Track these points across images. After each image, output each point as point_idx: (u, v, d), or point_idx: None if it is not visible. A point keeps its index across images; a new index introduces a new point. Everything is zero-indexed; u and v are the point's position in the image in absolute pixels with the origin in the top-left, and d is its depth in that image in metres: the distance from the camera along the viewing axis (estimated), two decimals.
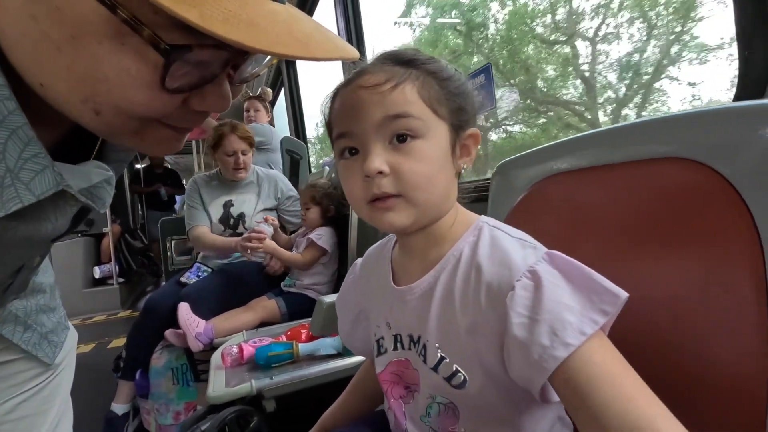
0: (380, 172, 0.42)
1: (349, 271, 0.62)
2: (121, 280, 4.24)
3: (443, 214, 0.47)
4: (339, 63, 1.98)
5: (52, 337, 0.58)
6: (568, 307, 0.37)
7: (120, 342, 2.98)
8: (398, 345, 0.51)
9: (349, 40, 1.99)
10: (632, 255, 0.51)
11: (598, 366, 0.35)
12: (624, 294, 0.38)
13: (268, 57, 0.35)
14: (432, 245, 0.48)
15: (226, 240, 1.75)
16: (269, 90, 2.88)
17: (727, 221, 0.42)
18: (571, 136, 0.63)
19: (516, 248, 0.43)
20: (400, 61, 0.44)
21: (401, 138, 0.43)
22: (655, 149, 0.50)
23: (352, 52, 0.33)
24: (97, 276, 4.18)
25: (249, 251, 1.61)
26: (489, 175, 0.82)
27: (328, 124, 0.48)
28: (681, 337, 0.46)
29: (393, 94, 0.42)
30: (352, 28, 1.98)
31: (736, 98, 0.55)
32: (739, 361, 0.40)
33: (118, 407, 1.58)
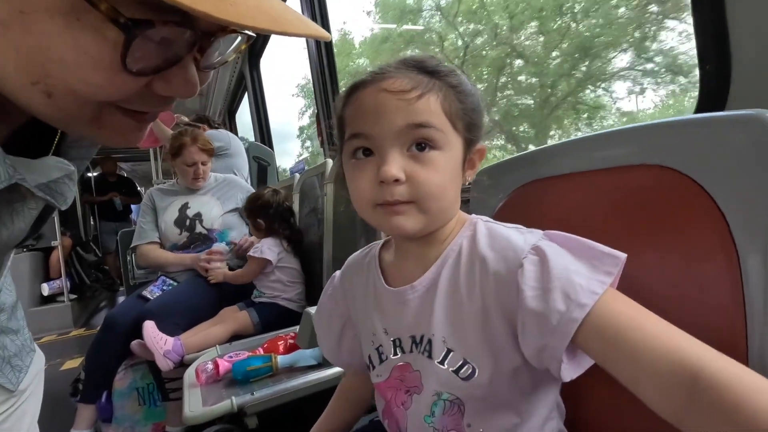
0: (396, 180, 0.42)
1: (327, 285, 0.62)
2: (73, 296, 3.97)
3: (447, 222, 0.48)
4: (310, 70, 1.96)
5: (15, 362, 0.53)
6: (575, 271, 0.39)
7: (74, 363, 2.79)
8: (398, 350, 0.50)
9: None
10: None
11: (617, 316, 0.37)
12: (623, 255, 0.40)
13: (237, 41, 0.33)
14: (431, 246, 0.49)
15: (179, 256, 1.74)
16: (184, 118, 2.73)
17: (703, 225, 0.45)
18: (551, 144, 0.66)
19: (515, 234, 0.45)
20: (424, 69, 0.45)
21: (420, 146, 0.43)
22: (630, 157, 0.53)
23: (324, 32, 0.33)
24: (45, 293, 3.89)
25: (207, 271, 1.66)
26: None
27: (341, 119, 0.48)
28: None
29: (418, 103, 0.43)
30: (318, 17, 1.96)
31: (698, 109, 0.59)
32: None
33: None
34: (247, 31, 0.31)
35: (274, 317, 1.54)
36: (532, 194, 0.68)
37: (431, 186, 0.43)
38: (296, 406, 0.96)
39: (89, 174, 5.05)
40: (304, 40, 2.03)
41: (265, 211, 1.65)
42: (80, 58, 0.26)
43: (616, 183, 0.55)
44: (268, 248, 1.59)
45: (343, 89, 0.49)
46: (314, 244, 1.69)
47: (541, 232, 0.45)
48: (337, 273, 0.62)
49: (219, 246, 1.75)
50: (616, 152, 0.55)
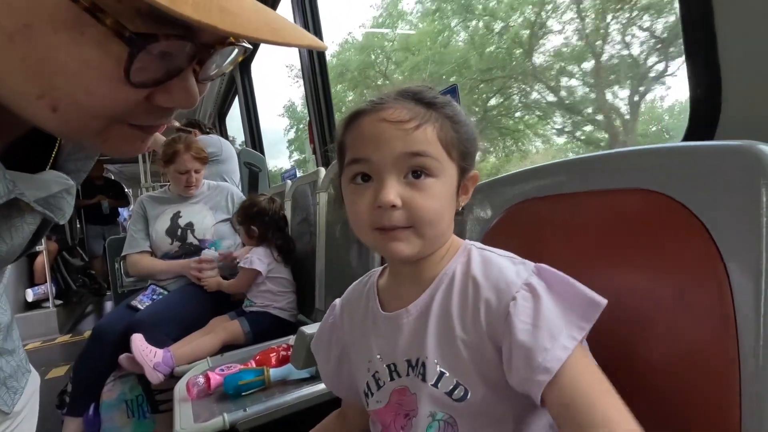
0: (393, 206, 0.43)
1: (328, 313, 0.62)
2: (58, 302, 3.90)
3: (441, 246, 0.50)
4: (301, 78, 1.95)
5: (11, 383, 0.52)
6: (560, 315, 0.42)
7: (60, 372, 2.73)
8: (394, 374, 0.51)
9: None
10: (605, 279, 0.54)
11: (583, 379, 0.40)
12: (604, 301, 0.43)
13: (234, 53, 0.34)
14: (425, 270, 0.50)
15: (171, 264, 1.73)
16: (175, 122, 2.72)
17: (694, 250, 0.45)
18: (545, 163, 0.66)
19: (508, 265, 0.47)
20: (421, 100, 0.47)
21: (416, 174, 0.45)
22: (623, 180, 0.53)
23: (321, 43, 0.34)
24: (30, 299, 3.82)
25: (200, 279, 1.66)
26: None
27: (341, 145, 0.50)
28: (652, 357, 0.49)
29: (416, 133, 0.44)
30: (311, 29, 1.96)
31: (687, 134, 0.60)
32: (710, 381, 0.43)
33: None
34: (247, 43, 0.32)
35: (265, 326, 1.53)
36: (526, 213, 0.68)
37: (427, 212, 0.45)
38: (290, 420, 0.95)
39: None
40: (285, 58, 2.04)
41: (260, 219, 1.63)
42: (84, 72, 0.27)
43: (609, 205, 0.55)
44: (258, 259, 1.58)
45: (343, 116, 0.50)
46: (306, 253, 1.68)
47: (532, 265, 0.46)
48: (338, 301, 0.62)
49: (208, 253, 1.73)
50: (609, 175, 0.55)
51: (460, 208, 0.51)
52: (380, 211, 0.44)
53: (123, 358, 1.34)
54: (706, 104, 0.56)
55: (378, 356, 0.52)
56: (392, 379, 0.51)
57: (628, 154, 0.55)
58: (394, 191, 0.44)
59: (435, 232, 0.46)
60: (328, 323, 0.61)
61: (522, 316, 0.42)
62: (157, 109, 0.32)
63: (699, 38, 0.56)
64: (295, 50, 2.00)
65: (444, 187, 0.46)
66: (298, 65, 2.05)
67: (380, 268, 0.59)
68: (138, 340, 1.29)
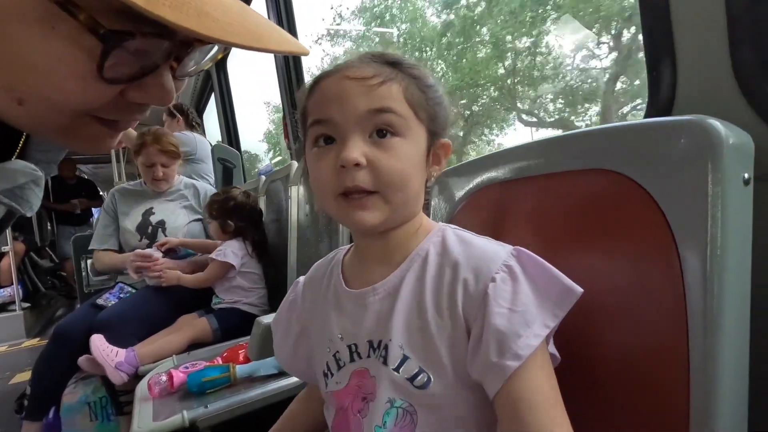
0: (357, 164, 0.41)
1: (290, 290, 0.60)
2: (25, 304, 3.75)
3: (410, 218, 0.48)
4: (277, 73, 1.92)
5: None
6: (535, 302, 0.41)
7: (25, 376, 2.63)
8: (354, 355, 0.49)
9: None
10: (566, 260, 0.53)
11: (545, 382, 0.40)
12: (579, 290, 0.42)
13: (213, 51, 0.33)
14: (395, 248, 0.48)
15: (123, 257, 1.65)
16: None
17: (647, 228, 0.45)
18: (507, 148, 0.66)
19: (487, 244, 0.46)
20: (386, 61, 0.45)
21: (382, 133, 0.43)
22: (581, 161, 0.53)
23: (303, 47, 0.33)
24: None
25: (138, 274, 1.56)
26: None
27: (304, 111, 0.48)
28: (607, 339, 0.48)
29: (380, 89, 0.43)
30: (285, 25, 1.93)
31: (647, 115, 0.61)
32: (660, 364, 0.43)
33: None
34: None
35: (234, 323, 1.48)
36: (489, 198, 0.68)
37: (393, 173, 0.42)
38: (255, 417, 0.93)
39: None
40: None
41: (237, 213, 1.58)
42: (54, 66, 0.26)
43: (568, 187, 0.55)
44: (232, 252, 1.53)
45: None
46: (278, 248, 1.65)
47: (511, 247, 0.45)
48: (301, 279, 0.60)
49: (151, 251, 1.64)
50: (567, 157, 0.55)
51: (432, 178, 0.49)
52: (344, 172, 0.42)
53: (83, 359, 1.28)
54: (662, 84, 0.56)
55: (339, 335, 0.50)
56: (353, 360, 0.49)
57: (586, 135, 0.54)
58: (357, 149, 0.41)
59: (402, 197, 0.44)
60: (288, 300, 0.59)
61: (500, 300, 0.41)
62: (130, 105, 0.31)
63: (655, 23, 0.56)
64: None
65: (412, 149, 0.44)
66: (275, 102, 2.00)
67: (347, 246, 0.56)
68: (98, 341, 1.23)
